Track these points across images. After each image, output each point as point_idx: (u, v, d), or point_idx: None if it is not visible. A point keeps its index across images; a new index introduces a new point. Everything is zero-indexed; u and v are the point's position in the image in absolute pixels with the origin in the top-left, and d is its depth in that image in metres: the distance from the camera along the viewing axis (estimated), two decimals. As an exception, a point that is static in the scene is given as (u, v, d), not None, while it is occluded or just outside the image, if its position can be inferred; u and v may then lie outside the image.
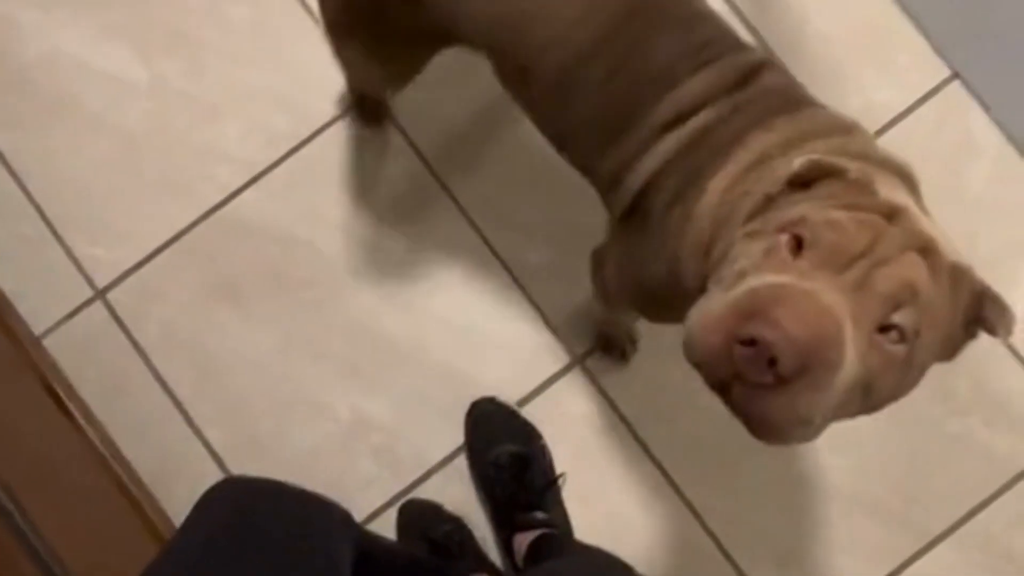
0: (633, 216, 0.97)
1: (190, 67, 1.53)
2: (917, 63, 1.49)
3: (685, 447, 1.43)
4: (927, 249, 0.71)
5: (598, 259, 1.14)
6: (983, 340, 1.49)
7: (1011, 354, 1.43)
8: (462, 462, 1.44)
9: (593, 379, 1.45)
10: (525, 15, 0.96)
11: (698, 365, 0.71)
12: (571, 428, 1.45)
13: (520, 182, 1.49)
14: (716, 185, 0.86)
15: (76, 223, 1.51)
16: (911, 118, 1.48)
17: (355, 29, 1.11)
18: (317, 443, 1.46)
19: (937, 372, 1.45)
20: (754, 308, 0.67)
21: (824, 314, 0.66)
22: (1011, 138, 1.46)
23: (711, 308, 0.71)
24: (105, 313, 1.49)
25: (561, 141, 1.04)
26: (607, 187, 0.99)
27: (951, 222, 1.47)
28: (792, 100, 0.91)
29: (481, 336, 1.47)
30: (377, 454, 1.46)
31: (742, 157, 0.86)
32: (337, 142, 1.51)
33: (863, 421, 1.43)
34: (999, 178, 1.47)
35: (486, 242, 1.48)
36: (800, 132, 0.86)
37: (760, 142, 0.86)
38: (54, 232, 1.51)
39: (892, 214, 0.72)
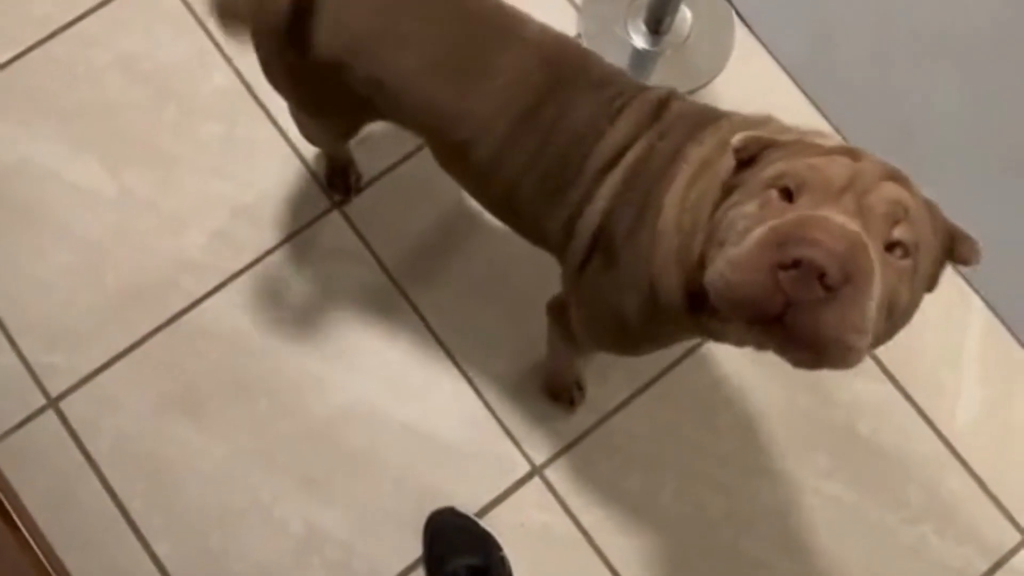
0: (591, 261, 1.03)
1: (159, 179, 1.57)
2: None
3: (643, 557, 1.43)
4: (897, 177, 0.78)
5: (557, 309, 1.18)
6: (929, 444, 1.53)
7: (958, 461, 1.46)
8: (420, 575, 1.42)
9: (552, 489, 1.45)
10: (446, 116, 1.05)
11: (741, 306, 0.74)
12: (530, 538, 1.43)
13: (480, 293, 1.52)
14: (671, 199, 0.93)
15: (34, 329, 1.50)
16: (851, 235, 1.56)
17: (285, 88, 1.20)
18: (269, 557, 1.43)
19: (888, 479, 1.48)
20: (788, 236, 0.71)
21: (845, 231, 0.71)
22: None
23: (740, 253, 0.74)
24: (57, 422, 1.47)
25: (506, 215, 1.12)
26: (560, 244, 1.06)
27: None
28: (708, 115, 0.99)
29: (440, 445, 1.47)
30: (331, 568, 1.42)
31: (686, 170, 0.93)
32: (300, 253, 1.54)
33: (818, 529, 1.45)
34: (937, 290, 1.54)
35: (446, 351, 1.50)
36: (728, 135, 0.94)
37: (697, 153, 0.94)
38: (9, 337, 1.50)
39: (854, 154, 0.79)
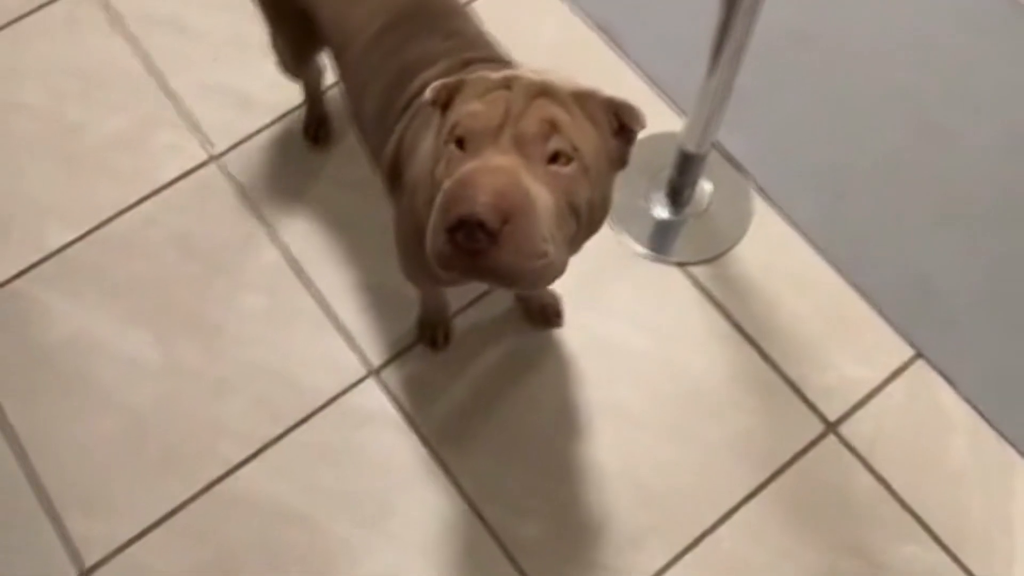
0: (393, 189, 1.15)
1: (203, 349, 1.63)
2: (881, 344, 1.60)
3: None
4: (545, 91, 0.89)
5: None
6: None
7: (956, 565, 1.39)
8: None
9: (590, 664, 1.39)
10: (340, 13, 1.24)
11: (445, 266, 0.86)
12: None
13: (514, 458, 1.52)
14: (425, 146, 1.04)
15: (71, 497, 1.52)
16: (882, 395, 1.56)
17: None
18: None
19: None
20: (447, 202, 0.82)
21: (497, 173, 0.82)
22: (980, 412, 1.53)
23: (431, 223, 0.87)
24: (88, 593, 1.46)
25: (362, 132, 1.25)
26: (379, 167, 1.20)
27: (938, 495, 1.50)
28: (497, 66, 1.10)
29: (474, 616, 1.42)
30: None
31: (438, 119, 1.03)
32: (337, 420, 1.57)
33: None
34: (977, 451, 1.51)
35: (479, 515, 1.49)
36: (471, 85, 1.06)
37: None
38: (46, 506, 1.51)
39: (508, 83, 0.90)
